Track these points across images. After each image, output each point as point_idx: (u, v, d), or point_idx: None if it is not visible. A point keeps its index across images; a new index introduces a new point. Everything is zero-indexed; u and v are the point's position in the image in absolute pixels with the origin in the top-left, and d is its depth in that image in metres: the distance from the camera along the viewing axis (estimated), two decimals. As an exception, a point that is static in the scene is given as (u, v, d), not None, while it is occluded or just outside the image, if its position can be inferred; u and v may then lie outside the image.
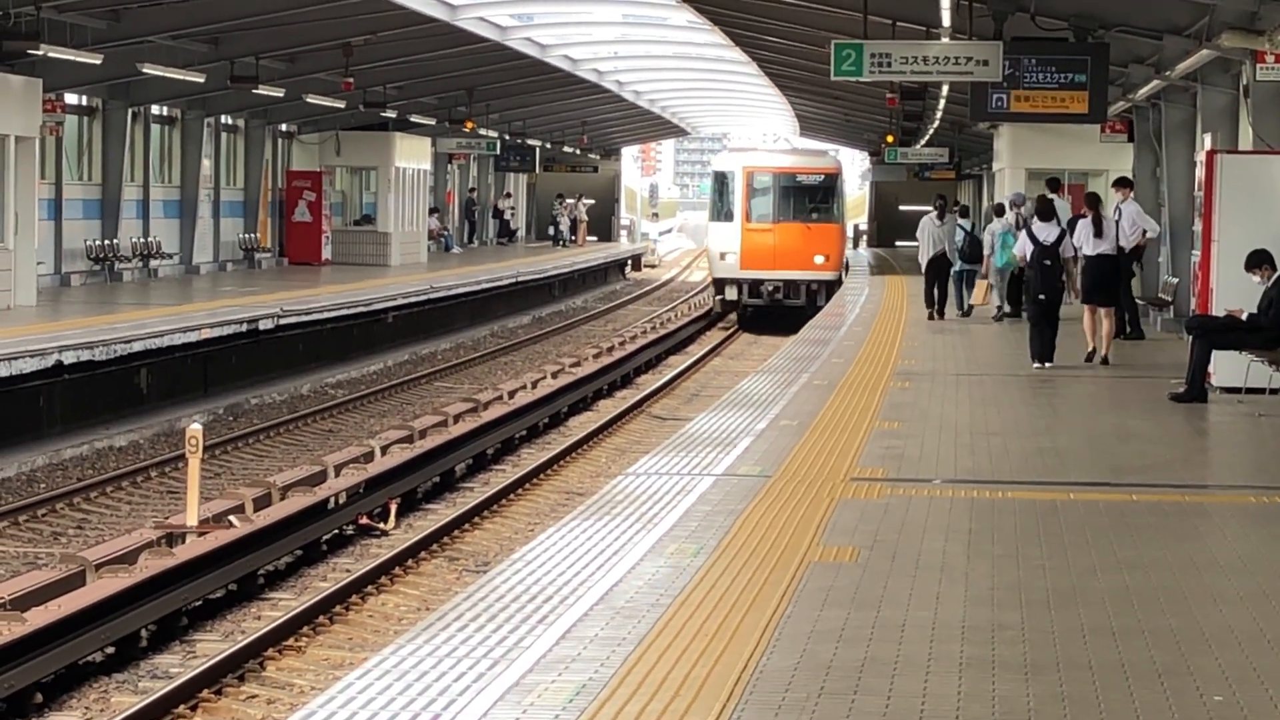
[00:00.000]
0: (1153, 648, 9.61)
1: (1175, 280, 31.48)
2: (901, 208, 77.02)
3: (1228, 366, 21.27)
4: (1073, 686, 8.81)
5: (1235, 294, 21.08)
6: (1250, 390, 20.66)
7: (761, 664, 9.09)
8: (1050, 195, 27.88)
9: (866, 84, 35.80)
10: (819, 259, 48.44)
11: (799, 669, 9.03)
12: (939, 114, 50.44)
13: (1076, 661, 9.28)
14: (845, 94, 54.53)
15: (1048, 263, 24.98)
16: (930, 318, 33.76)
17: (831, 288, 47.48)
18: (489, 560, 19.07)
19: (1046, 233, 25.10)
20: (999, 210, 34.28)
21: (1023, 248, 25.75)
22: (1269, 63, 23.02)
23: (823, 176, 49.73)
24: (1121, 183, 30.46)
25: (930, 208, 35.30)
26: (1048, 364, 24.73)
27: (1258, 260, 20.56)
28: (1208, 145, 28.71)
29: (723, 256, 49.14)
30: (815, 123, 74.04)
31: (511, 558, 11.78)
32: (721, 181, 50.01)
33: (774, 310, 48.48)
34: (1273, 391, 20.55)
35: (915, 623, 10.05)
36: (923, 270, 34.71)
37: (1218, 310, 21.44)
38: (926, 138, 61.07)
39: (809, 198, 49.39)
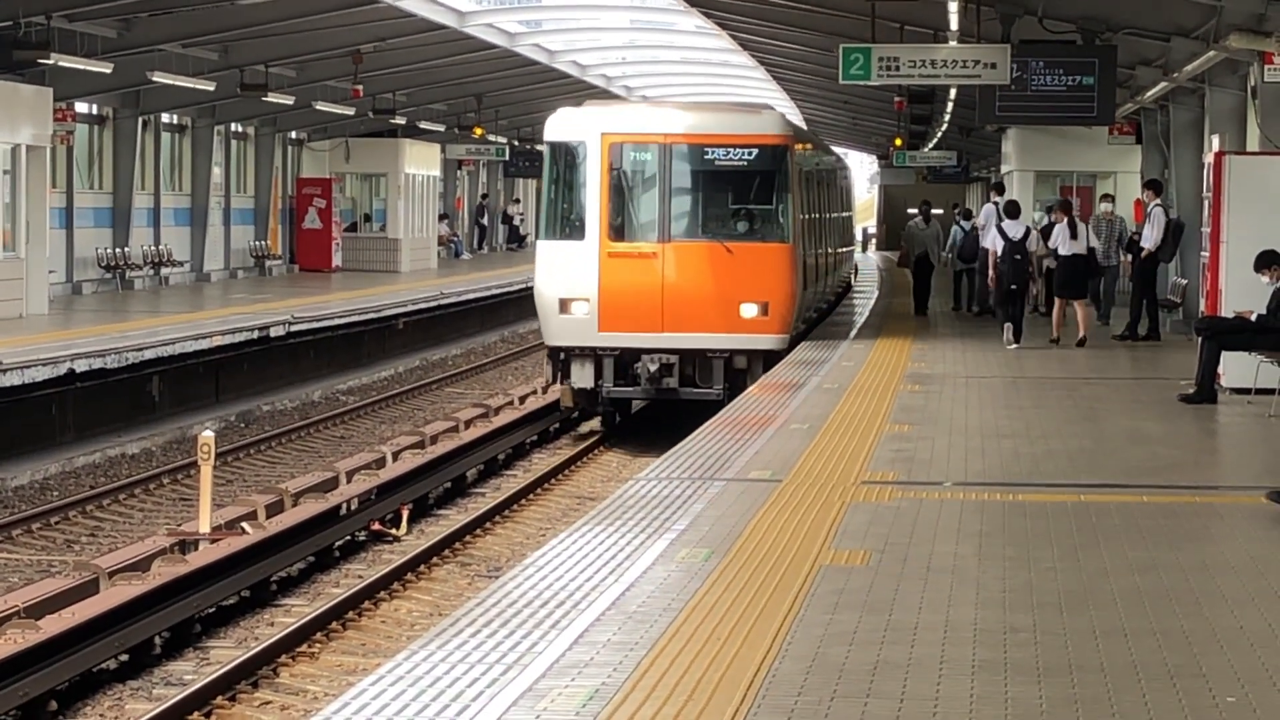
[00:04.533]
0: (1165, 649, 9.60)
1: (1184, 282, 31.46)
2: (910, 210, 76.97)
3: (1237, 368, 21.23)
4: (1085, 688, 8.80)
5: (1244, 295, 21.06)
6: (1260, 391, 20.63)
7: (774, 668, 9.09)
8: (999, 198, 31.56)
9: (875, 88, 35.76)
10: (749, 309, 26.88)
11: (811, 672, 9.02)
12: (947, 117, 50.38)
13: (1089, 664, 9.27)
14: (853, 98, 54.46)
15: (1017, 256, 28.38)
16: (917, 313, 35.55)
17: (771, 360, 26.44)
18: (501, 565, 19.06)
19: (1015, 230, 28.61)
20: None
21: (994, 243, 28.79)
22: (1277, 64, 23.02)
23: (754, 152, 27.15)
24: (1151, 185, 30.51)
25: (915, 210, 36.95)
26: (1018, 343, 28.06)
27: (1267, 261, 20.55)
28: (1216, 146, 28.67)
29: (563, 307, 26.86)
30: (824, 126, 73.97)
31: (524, 563, 11.77)
32: (561, 164, 27.32)
33: (665, 405, 28.30)
34: (1282, 392, 20.52)
35: (927, 625, 10.04)
36: (910, 270, 36.86)
37: (1226, 311, 21.43)
38: (935, 141, 61.01)
39: (731, 193, 27.68)
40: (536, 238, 28.30)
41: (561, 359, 27.23)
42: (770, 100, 55.88)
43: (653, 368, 26.62)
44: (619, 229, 26.92)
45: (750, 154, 27.17)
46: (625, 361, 26.90)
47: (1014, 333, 28.32)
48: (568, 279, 26.88)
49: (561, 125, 27.45)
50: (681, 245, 26.89)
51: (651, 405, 29.40)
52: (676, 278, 26.77)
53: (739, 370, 26.77)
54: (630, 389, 27.15)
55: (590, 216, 26.85)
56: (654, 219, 26.97)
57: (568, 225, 27.30)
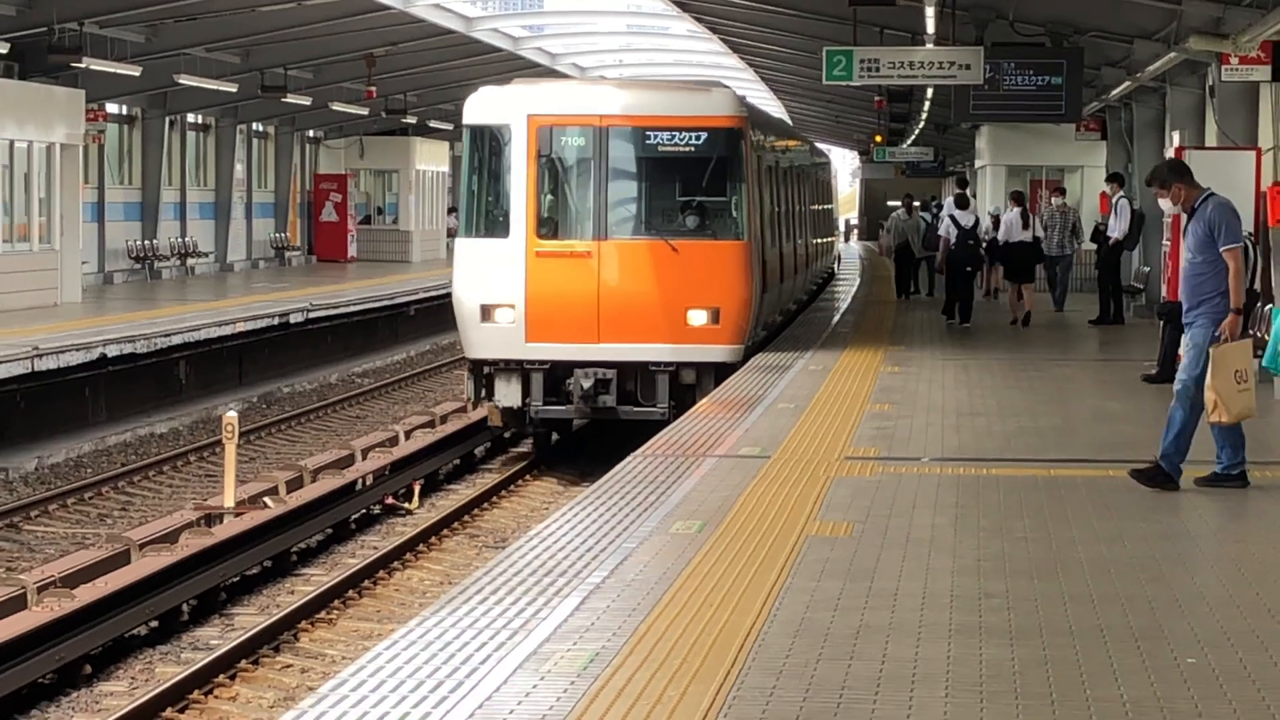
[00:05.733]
0: (1130, 613, 9.60)
1: (1147, 269, 31.47)
2: (890, 203, 76.95)
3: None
4: (1055, 650, 8.80)
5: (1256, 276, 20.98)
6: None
7: (763, 632, 9.09)
8: (961, 191, 32.23)
9: (856, 88, 35.74)
10: (698, 316, 22.41)
11: (798, 636, 9.02)
12: (924, 115, 50.35)
13: (1058, 627, 9.27)
14: (836, 97, 54.40)
15: (970, 242, 30.01)
16: (900, 297, 36.27)
17: (723, 373, 21.96)
18: (507, 537, 19.06)
19: (966, 219, 30.10)
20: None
21: (947, 231, 30.24)
22: (1233, 64, 22.99)
23: (703, 135, 22.54)
24: (1115, 178, 30.56)
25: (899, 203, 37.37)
26: (966, 324, 29.23)
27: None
28: (1176, 142, 28.68)
29: (485, 314, 22.41)
30: (808, 123, 73.89)
31: (528, 534, 11.77)
32: (482, 151, 22.89)
33: (603, 426, 24.14)
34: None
35: (906, 592, 10.04)
36: (891, 258, 37.95)
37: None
38: (913, 137, 61.00)
39: (677, 183, 23.10)
40: (459, 234, 23.26)
41: (485, 374, 22.53)
42: (758, 99, 54.07)
43: (587, 384, 21.95)
44: (548, 225, 22.32)
45: (698, 138, 22.43)
46: (557, 377, 22.21)
47: (962, 313, 29.63)
48: (490, 283, 22.23)
49: (482, 106, 22.62)
50: (620, 244, 22.30)
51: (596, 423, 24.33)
52: (614, 281, 22.20)
53: (686, 386, 22.16)
54: (562, 408, 22.39)
55: (515, 211, 22.18)
56: (588, 213, 22.28)
57: (490, 221, 22.63)
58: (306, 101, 46.37)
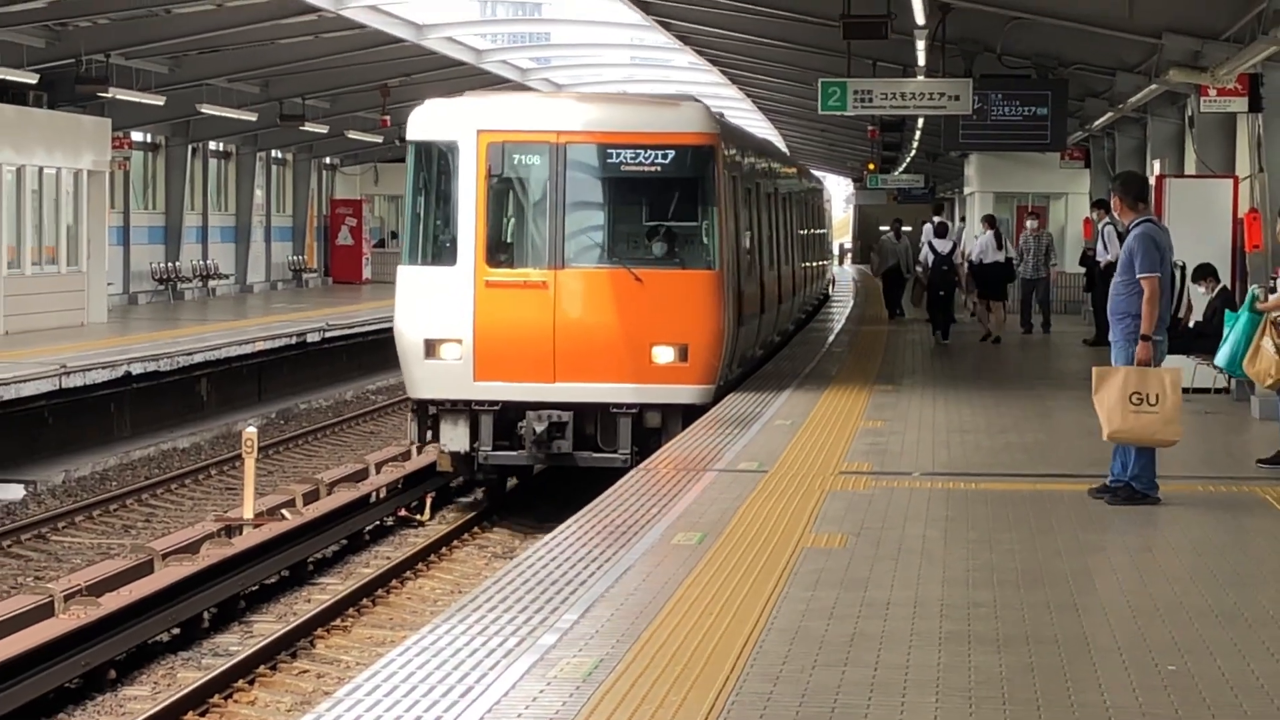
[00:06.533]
0: (1112, 622, 9.59)
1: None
2: (882, 228, 76.93)
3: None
4: (1041, 658, 8.79)
5: (1184, 304, 21.04)
6: (1197, 390, 20.62)
7: (761, 639, 9.08)
8: (939, 219, 33.47)
9: (850, 118, 35.80)
10: (664, 353, 19.56)
11: (795, 643, 9.01)
12: (915, 144, 50.38)
13: (1044, 635, 9.26)
14: (831, 126, 54.47)
15: (945, 268, 30.94)
16: (890, 317, 36.59)
17: (691, 416, 19.17)
18: (515, 547, 19.04)
19: (943, 246, 31.21)
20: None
21: (926, 257, 31.54)
22: (1211, 96, 23.02)
23: (671, 154, 19.66)
24: (1100, 205, 30.54)
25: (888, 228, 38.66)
26: (946, 340, 29.98)
27: (1203, 273, 20.57)
28: (1157, 170, 28.68)
29: (430, 350, 19.57)
30: (804, 151, 73.96)
31: (535, 545, 11.76)
32: (429, 169, 20.00)
33: (559, 473, 21.53)
34: (1217, 391, 20.52)
35: (898, 601, 10.03)
36: (880, 279, 38.36)
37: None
38: (904, 165, 61.03)
39: (642, 206, 20.42)
40: (401, 263, 20.12)
41: (430, 415, 19.69)
42: (756, 128, 53.39)
43: (540, 427, 19.07)
44: (500, 252, 19.55)
45: (666, 156, 19.49)
46: (508, 419, 19.38)
47: (943, 331, 30.43)
48: (435, 315, 19.39)
49: (427, 120, 19.69)
50: (578, 273, 19.39)
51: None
52: (572, 314, 19.31)
53: (651, 429, 19.40)
54: (514, 454, 19.49)
55: (463, 236, 19.35)
56: (544, 239, 19.39)
57: (435, 247, 19.71)
58: (323, 130, 46.43)
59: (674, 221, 19.97)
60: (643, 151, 19.49)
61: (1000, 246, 31.40)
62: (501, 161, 19.43)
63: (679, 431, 18.16)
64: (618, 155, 19.51)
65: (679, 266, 19.68)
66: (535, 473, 21.71)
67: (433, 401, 19.57)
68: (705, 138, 19.77)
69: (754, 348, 24.05)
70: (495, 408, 19.37)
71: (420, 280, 19.60)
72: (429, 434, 19.77)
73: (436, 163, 19.70)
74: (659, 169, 19.55)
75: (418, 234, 19.84)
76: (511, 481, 21.49)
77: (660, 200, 19.97)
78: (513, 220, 19.79)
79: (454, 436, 19.55)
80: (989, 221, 32.88)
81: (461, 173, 19.39)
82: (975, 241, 32.65)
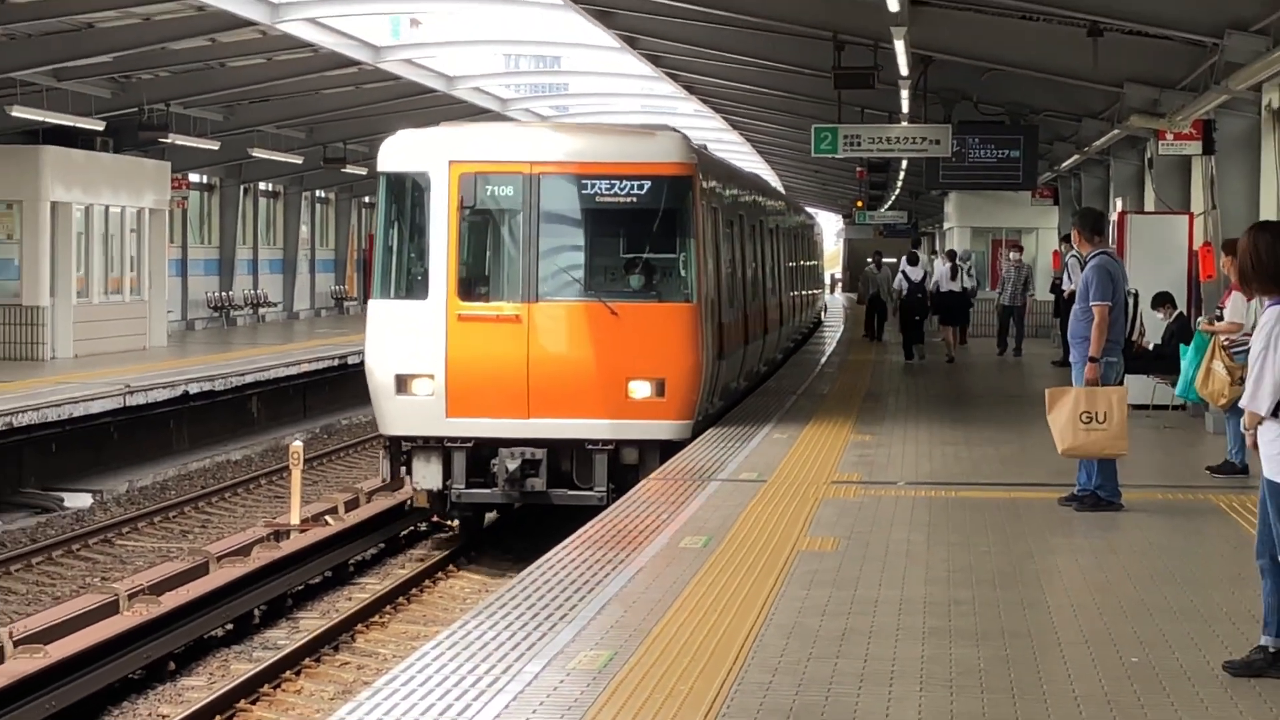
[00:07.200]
0: (1079, 618, 9.57)
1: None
2: (868, 259, 76.91)
3: (1137, 388, 21.16)
4: (1015, 651, 8.78)
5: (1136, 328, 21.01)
6: (1157, 407, 20.62)
7: (761, 634, 9.07)
8: (916, 251, 34.79)
9: (840, 159, 35.77)
10: (641, 388, 17.57)
11: (791, 638, 9.01)
12: (900, 183, 50.36)
13: (1017, 630, 9.25)
14: (823, 167, 54.49)
15: (919, 295, 31.40)
16: (868, 339, 37.28)
17: (670, 451, 17.19)
18: (538, 549, 18.97)
19: (915, 274, 31.64)
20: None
21: (900, 284, 31.90)
22: (1169, 140, 23.02)
23: (647, 185, 17.69)
24: (1067, 239, 30.51)
25: (870, 259, 39.26)
26: (914, 360, 30.36)
27: (1161, 300, 20.54)
28: (1119, 207, 28.68)
29: (401, 386, 17.64)
30: (797, 190, 73.99)
31: (556, 548, 11.76)
32: (401, 201, 18.16)
33: (535, 512, 19.68)
34: (1174, 408, 20.50)
35: (885, 599, 10.02)
36: (864, 306, 39.11)
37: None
38: (889, 202, 61.00)
39: (618, 238, 18.29)
40: (372, 296, 18.26)
41: (403, 453, 17.77)
42: (754, 169, 51.92)
43: (513, 465, 17.22)
44: (472, 285, 17.63)
45: (642, 187, 17.55)
46: (482, 456, 17.51)
47: (917, 352, 30.87)
48: (406, 350, 17.50)
49: (398, 151, 17.93)
50: (553, 306, 17.45)
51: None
52: (546, 348, 17.39)
53: (628, 466, 17.44)
54: (487, 492, 17.60)
55: (435, 269, 17.44)
56: (517, 272, 17.45)
57: (407, 280, 17.88)
58: (363, 172, 46.45)
59: (651, 253, 17.98)
60: (618, 182, 17.56)
61: (954, 277, 31.78)
62: (474, 192, 17.53)
63: (656, 468, 16.36)
64: (593, 186, 17.56)
65: (656, 299, 17.71)
66: (477, 523, 19.26)
67: (405, 438, 17.66)
68: (682, 168, 17.79)
69: (737, 379, 21.90)
70: (468, 445, 17.46)
71: (392, 314, 17.70)
72: (402, 471, 17.87)
73: (409, 194, 17.83)
74: (635, 200, 17.61)
75: (389, 267, 17.91)
76: (491, 515, 19.65)
77: (637, 232, 17.94)
78: (486, 253, 17.91)
79: (426, 474, 17.65)
80: (950, 255, 33.46)
81: (433, 204, 17.47)
82: (938, 271, 32.95)
